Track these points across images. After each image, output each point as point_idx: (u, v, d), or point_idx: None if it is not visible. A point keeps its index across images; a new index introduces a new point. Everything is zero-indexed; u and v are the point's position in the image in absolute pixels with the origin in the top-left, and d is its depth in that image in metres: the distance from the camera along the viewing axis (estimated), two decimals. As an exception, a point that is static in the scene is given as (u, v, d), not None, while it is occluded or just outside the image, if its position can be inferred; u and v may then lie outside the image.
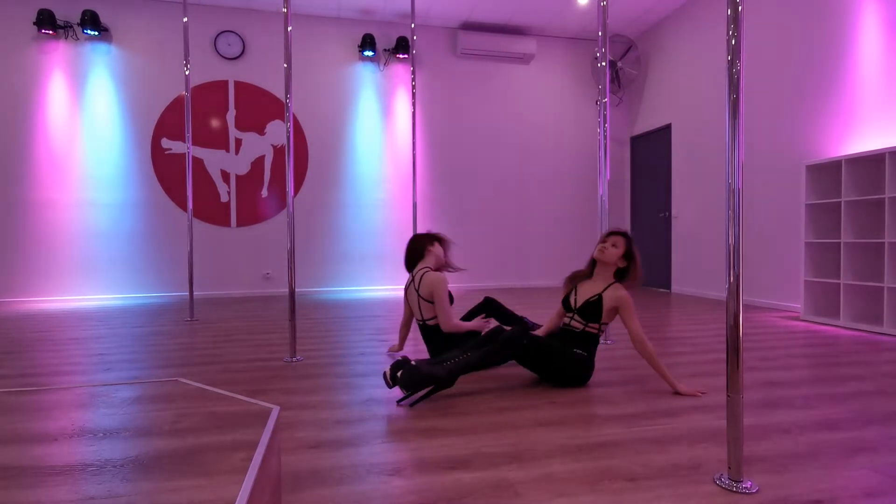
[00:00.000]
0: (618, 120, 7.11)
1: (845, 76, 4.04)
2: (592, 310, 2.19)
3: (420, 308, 2.59)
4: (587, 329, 2.20)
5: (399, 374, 1.94)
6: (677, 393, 2.08)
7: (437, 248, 2.72)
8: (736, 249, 1.30)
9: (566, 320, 2.28)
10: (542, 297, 5.56)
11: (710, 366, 2.53)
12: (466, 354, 2.07)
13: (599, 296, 2.20)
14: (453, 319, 2.51)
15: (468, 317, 2.83)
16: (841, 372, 2.43)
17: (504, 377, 2.35)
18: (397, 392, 2.12)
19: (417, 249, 2.72)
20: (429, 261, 2.68)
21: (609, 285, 2.23)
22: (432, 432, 1.68)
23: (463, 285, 6.65)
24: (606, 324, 2.27)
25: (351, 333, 3.51)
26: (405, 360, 1.97)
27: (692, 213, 5.86)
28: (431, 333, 2.60)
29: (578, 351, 2.19)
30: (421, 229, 6.50)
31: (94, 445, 0.94)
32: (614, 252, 2.24)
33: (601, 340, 2.27)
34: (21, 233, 5.56)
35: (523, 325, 2.55)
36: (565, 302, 2.32)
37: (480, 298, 4.92)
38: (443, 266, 2.75)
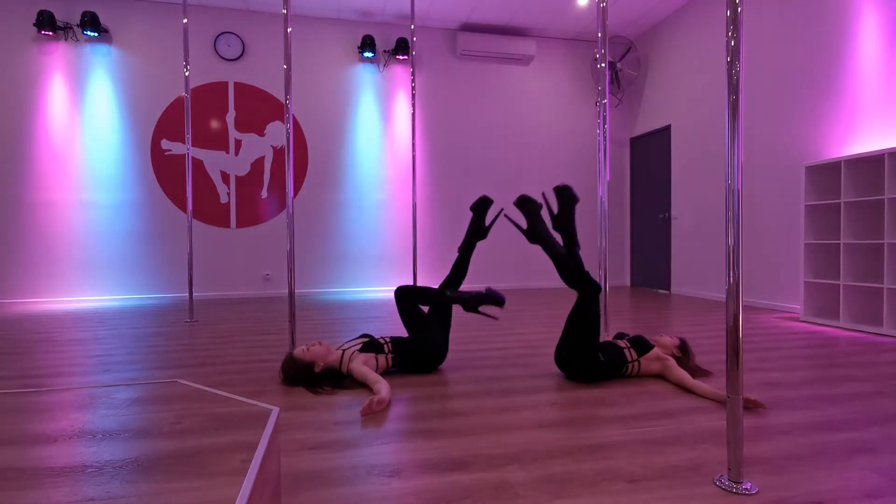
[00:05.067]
0: (617, 121, 7.12)
1: (845, 77, 4.04)
2: (642, 342, 2.38)
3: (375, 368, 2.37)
4: (627, 351, 2.33)
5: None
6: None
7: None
8: (735, 250, 1.30)
9: (620, 342, 2.40)
10: (542, 299, 5.55)
11: (710, 367, 2.53)
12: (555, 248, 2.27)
13: (653, 346, 2.39)
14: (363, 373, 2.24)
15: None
16: (841, 373, 2.43)
17: (504, 378, 2.36)
18: (402, 394, 2.12)
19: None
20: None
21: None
22: (432, 433, 1.68)
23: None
24: (639, 367, 2.34)
25: (351, 334, 3.51)
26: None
27: (692, 214, 5.86)
28: (406, 353, 2.44)
29: (600, 355, 2.26)
30: (421, 229, 6.52)
31: (94, 447, 0.94)
32: (669, 340, 2.41)
33: (625, 372, 2.34)
34: (21, 234, 5.56)
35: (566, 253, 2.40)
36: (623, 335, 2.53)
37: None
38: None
